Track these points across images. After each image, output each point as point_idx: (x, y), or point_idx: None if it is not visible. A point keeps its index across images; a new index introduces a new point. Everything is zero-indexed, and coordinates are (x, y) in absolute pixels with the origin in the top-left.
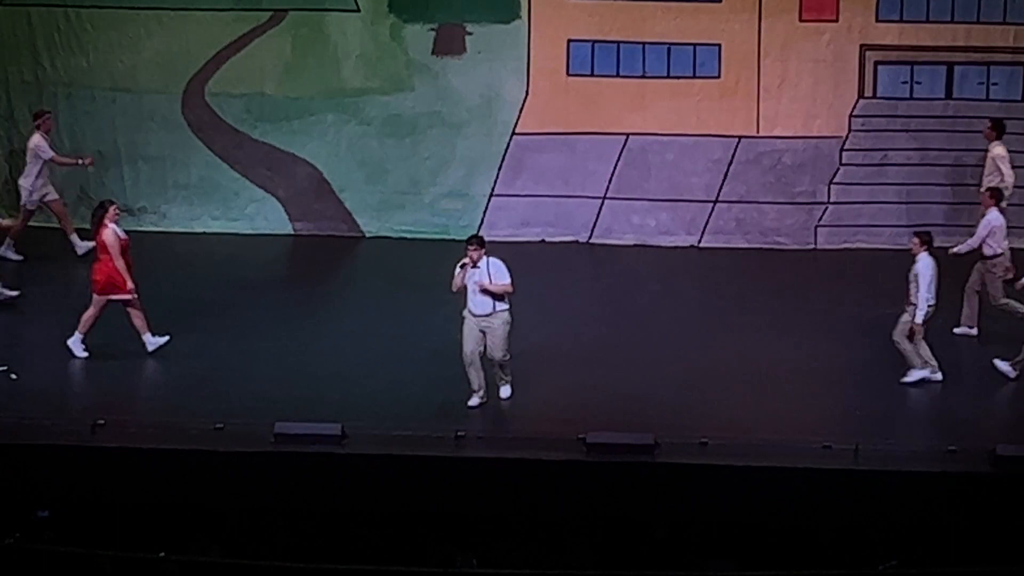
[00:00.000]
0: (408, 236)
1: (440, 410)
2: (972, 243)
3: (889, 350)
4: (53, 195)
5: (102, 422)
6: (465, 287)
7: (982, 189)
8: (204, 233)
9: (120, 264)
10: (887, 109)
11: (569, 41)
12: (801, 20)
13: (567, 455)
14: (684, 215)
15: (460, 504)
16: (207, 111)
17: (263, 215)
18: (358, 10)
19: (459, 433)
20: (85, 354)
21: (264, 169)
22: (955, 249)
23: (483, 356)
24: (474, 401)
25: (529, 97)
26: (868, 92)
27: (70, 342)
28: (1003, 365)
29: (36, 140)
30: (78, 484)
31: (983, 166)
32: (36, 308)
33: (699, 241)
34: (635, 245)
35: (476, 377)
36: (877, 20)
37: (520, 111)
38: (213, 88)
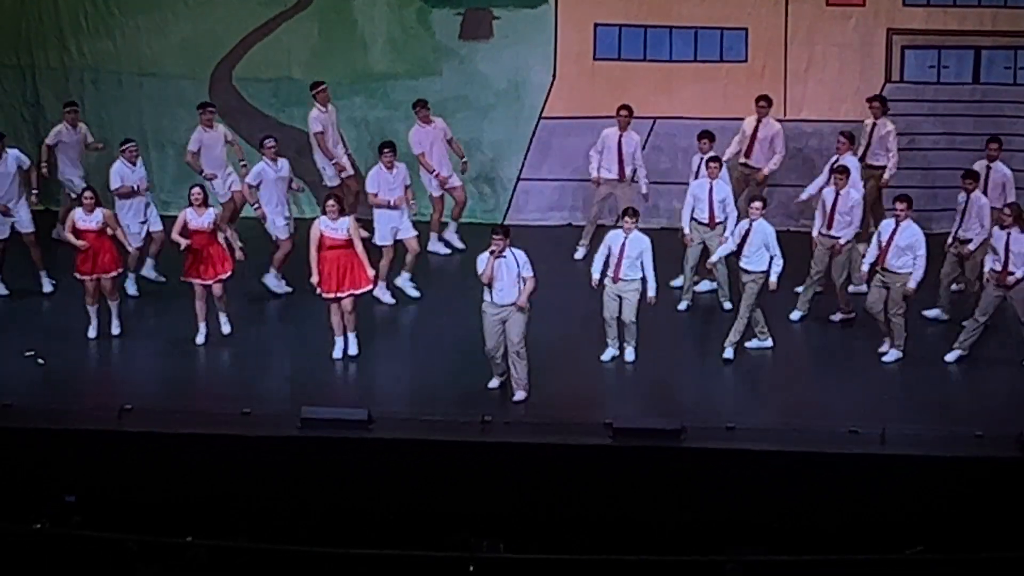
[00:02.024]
0: None
1: (466, 395)
2: None
3: (918, 334)
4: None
5: (129, 407)
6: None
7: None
8: None
9: (313, 255)
10: (914, 93)
11: (596, 25)
12: (828, 4)
13: (593, 440)
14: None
15: (486, 489)
16: (234, 95)
17: (290, 199)
18: None
19: (485, 418)
20: None
21: (292, 153)
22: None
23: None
24: (494, 382)
25: (556, 81)
26: (895, 76)
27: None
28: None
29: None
30: (105, 469)
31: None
32: (64, 295)
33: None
34: (662, 228)
35: (498, 365)
36: (904, 4)
37: (547, 95)
38: (240, 72)
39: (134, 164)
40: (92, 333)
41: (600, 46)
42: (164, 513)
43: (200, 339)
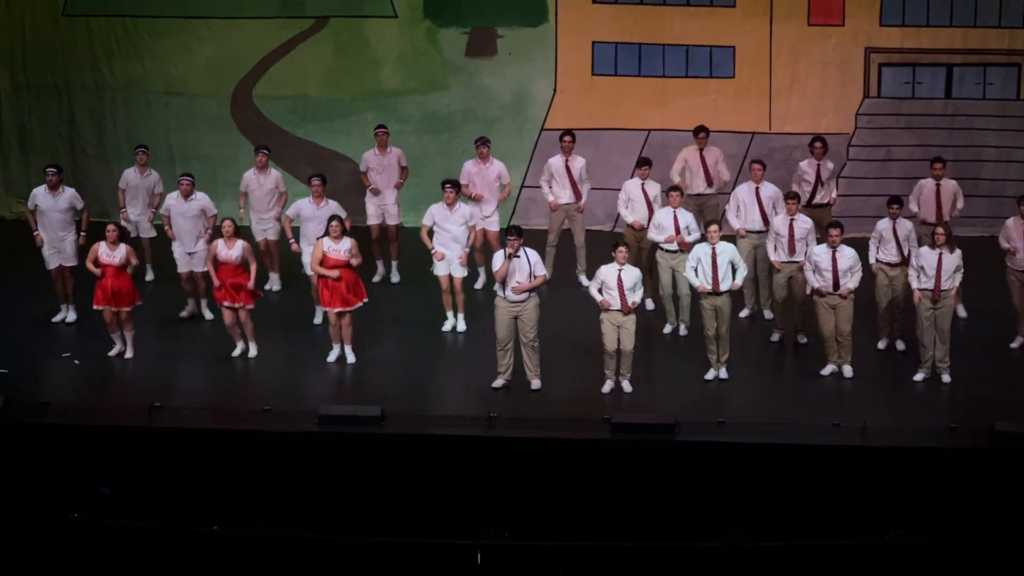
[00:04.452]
0: None
1: (473, 393)
2: None
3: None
4: None
5: (158, 405)
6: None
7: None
8: None
9: (316, 272)
10: (891, 108)
11: (594, 43)
12: (810, 24)
13: (593, 435)
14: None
15: (492, 481)
16: (254, 112)
17: None
18: (396, 16)
19: (491, 415)
20: None
21: (308, 166)
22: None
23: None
24: (499, 382)
25: (557, 95)
26: (873, 92)
27: None
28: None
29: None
30: (136, 462)
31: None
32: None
33: None
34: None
35: (506, 360)
36: (881, 24)
37: (548, 108)
38: (260, 91)
39: (186, 199)
40: (114, 352)
41: (598, 62)
42: (191, 503)
43: (236, 352)
